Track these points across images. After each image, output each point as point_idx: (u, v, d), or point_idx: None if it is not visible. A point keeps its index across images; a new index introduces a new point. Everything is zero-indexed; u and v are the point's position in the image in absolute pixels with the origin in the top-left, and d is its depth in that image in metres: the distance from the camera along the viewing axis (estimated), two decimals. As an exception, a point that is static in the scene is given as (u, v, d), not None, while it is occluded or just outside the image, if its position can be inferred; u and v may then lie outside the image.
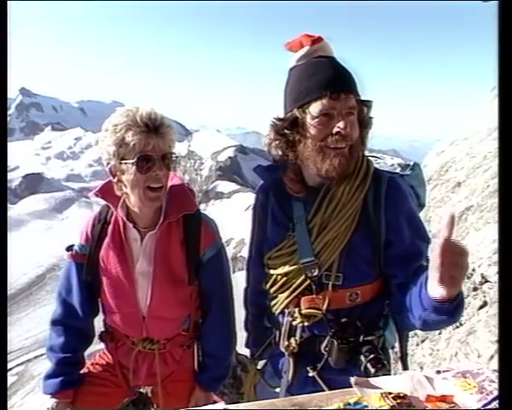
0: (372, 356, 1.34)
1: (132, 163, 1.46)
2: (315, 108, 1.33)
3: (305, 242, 1.44)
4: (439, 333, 3.65)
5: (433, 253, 1.00)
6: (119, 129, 1.44)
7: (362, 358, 1.36)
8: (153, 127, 1.46)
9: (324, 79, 1.33)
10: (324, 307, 1.43)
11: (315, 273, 1.42)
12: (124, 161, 1.48)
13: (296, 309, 1.48)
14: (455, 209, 1.11)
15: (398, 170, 1.60)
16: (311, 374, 1.49)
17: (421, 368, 3.77)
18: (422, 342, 4.11)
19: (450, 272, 1.01)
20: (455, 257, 0.98)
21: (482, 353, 3.45)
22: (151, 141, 1.45)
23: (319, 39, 1.39)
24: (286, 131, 1.40)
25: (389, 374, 1.39)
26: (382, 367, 1.34)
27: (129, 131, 1.43)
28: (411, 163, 1.64)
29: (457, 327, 4.13)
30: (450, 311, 1.13)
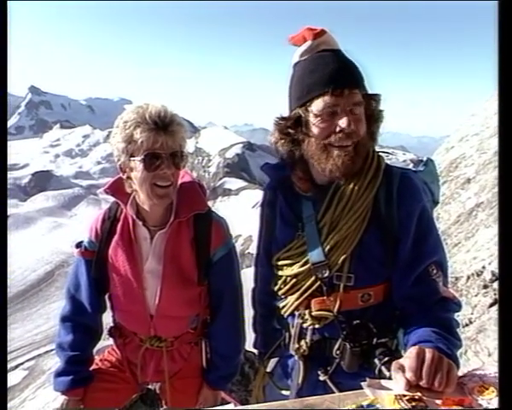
0: (386, 359, 1.28)
1: (140, 160, 1.45)
2: (317, 105, 1.29)
3: (315, 242, 1.39)
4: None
5: (398, 377, 1.02)
6: (128, 126, 1.44)
7: (376, 361, 1.30)
8: (161, 125, 1.44)
9: (326, 74, 1.29)
10: (336, 308, 1.38)
11: (325, 274, 1.37)
12: (132, 158, 1.47)
13: (306, 311, 1.44)
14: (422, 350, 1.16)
15: (410, 166, 1.56)
16: (322, 378, 1.44)
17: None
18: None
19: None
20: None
21: (492, 351, 3.41)
22: (159, 138, 1.44)
23: (322, 32, 1.33)
24: (290, 131, 1.37)
25: None
26: None
27: (137, 128, 1.42)
28: (424, 159, 1.59)
29: (467, 325, 4.09)
30: None
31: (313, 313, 1.43)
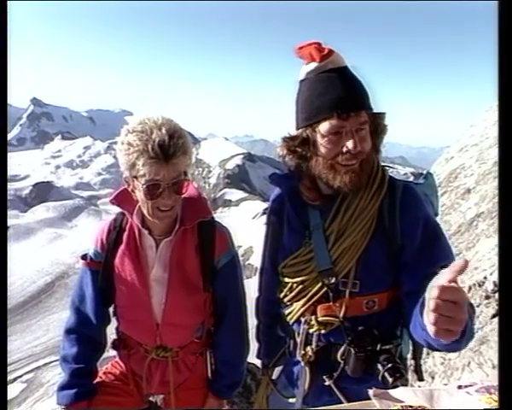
0: (390, 365, 1.33)
1: (141, 186, 1.46)
2: (324, 126, 1.33)
3: (322, 249, 1.44)
4: (451, 342, 3.56)
5: (431, 292, 0.95)
6: (131, 151, 1.42)
7: (379, 367, 1.34)
8: (164, 157, 1.41)
9: (333, 98, 1.32)
10: (341, 314, 1.42)
11: (332, 281, 1.41)
12: (135, 180, 1.48)
13: (313, 317, 1.48)
14: (468, 261, 1.04)
15: (411, 179, 1.60)
16: (327, 383, 1.48)
17: (433, 378, 3.69)
18: (433, 351, 4.03)
19: (445, 324, 0.96)
20: (450, 309, 0.93)
21: (496, 363, 3.38)
22: (161, 171, 1.43)
23: (329, 54, 1.36)
24: (297, 149, 1.42)
25: (407, 384, 1.36)
26: (400, 377, 1.32)
27: (140, 158, 1.41)
28: (424, 172, 1.64)
29: (469, 336, 4.03)
30: (449, 345, 1.06)
31: (319, 319, 1.47)
